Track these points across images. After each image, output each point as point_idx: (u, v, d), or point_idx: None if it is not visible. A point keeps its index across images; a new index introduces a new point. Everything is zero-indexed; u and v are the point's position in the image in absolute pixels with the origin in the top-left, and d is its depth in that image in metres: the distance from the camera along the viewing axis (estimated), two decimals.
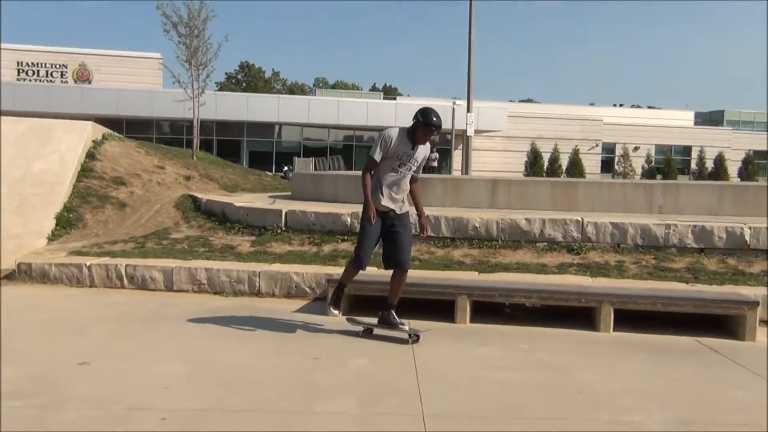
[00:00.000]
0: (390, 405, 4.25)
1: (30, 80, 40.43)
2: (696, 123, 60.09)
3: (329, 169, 34.53)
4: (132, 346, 5.49)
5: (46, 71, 41.23)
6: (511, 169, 43.48)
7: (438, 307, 6.59)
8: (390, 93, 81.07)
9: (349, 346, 5.65)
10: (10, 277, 8.23)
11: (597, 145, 47.86)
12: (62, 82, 40.94)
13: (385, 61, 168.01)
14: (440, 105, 21.89)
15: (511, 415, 4.14)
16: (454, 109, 35.66)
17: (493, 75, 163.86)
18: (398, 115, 37.35)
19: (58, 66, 41.40)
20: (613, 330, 6.22)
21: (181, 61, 21.60)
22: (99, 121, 17.58)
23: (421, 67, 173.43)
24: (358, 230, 6.01)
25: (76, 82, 41.13)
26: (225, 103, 38.96)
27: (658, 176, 44.45)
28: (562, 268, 7.74)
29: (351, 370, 4.96)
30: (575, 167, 42.76)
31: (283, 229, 9.32)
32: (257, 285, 7.57)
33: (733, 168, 48.31)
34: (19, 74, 40.48)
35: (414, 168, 5.78)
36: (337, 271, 7.07)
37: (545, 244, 8.40)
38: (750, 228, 8.18)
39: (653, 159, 48.65)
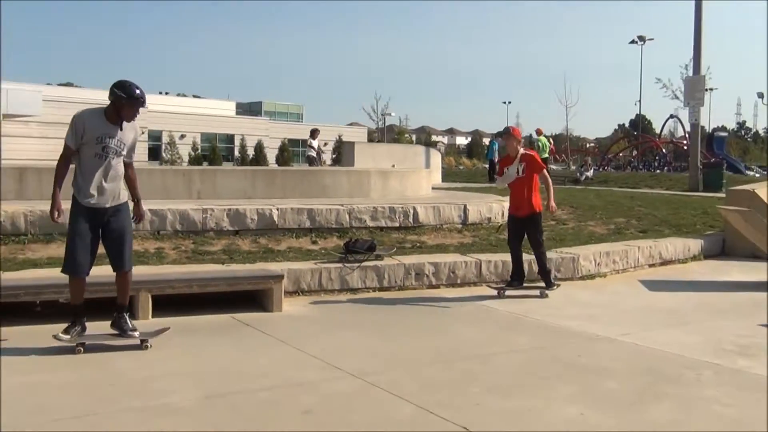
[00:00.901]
0: None
1: None
2: (237, 113, 63.71)
3: None
4: None
5: None
6: (53, 157, 40.27)
7: None
8: None
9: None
10: None
11: (143, 133, 47.30)
12: None
13: None
14: None
15: (42, 420, 3.86)
16: None
17: (30, 55, 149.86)
18: None
19: None
20: (153, 316, 6.25)
21: None
22: None
23: None
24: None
25: None
26: None
27: (204, 163, 45.90)
28: None
29: None
30: None
31: None
32: None
33: (271, 155, 52.43)
34: None
35: (123, 151, 5.17)
36: None
37: None
38: (277, 209, 9.00)
39: (199, 146, 50.06)
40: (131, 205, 5.50)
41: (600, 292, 8.04)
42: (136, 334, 5.36)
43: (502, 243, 9.06)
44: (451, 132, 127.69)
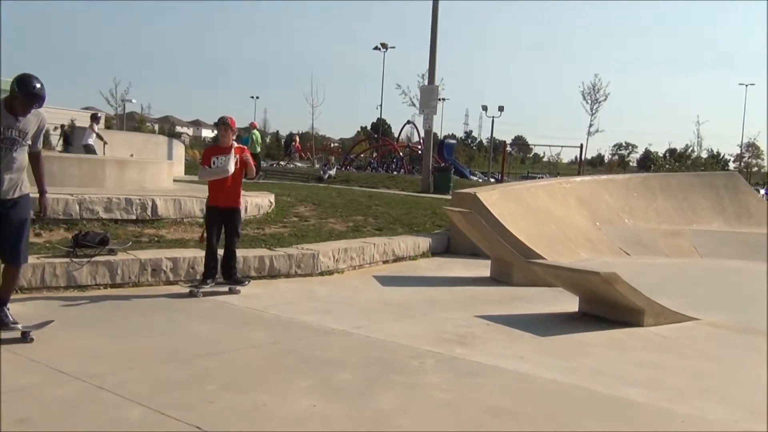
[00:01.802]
0: None
1: None
2: None
3: None
4: None
5: None
6: None
7: None
8: None
9: None
10: None
11: None
12: None
13: None
14: None
15: None
16: None
17: None
18: None
19: None
20: None
21: None
22: None
23: None
24: None
25: None
26: None
27: None
28: None
29: None
30: None
31: None
32: None
33: None
34: None
35: (26, 141, 5.14)
36: None
37: None
38: None
39: None
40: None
41: (337, 287, 8.33)
42: (19, 326, 5.31)
43: (244, 238, 9.02)
44: (197, 124, 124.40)
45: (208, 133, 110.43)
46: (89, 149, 18.91)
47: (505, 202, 12.18)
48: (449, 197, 15.86)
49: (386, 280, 8.95)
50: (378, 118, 77.23)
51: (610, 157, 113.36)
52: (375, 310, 7.12)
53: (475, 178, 42.84)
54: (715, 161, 71.59)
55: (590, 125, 52.82)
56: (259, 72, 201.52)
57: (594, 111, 53.01)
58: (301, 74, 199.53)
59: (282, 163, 43.71)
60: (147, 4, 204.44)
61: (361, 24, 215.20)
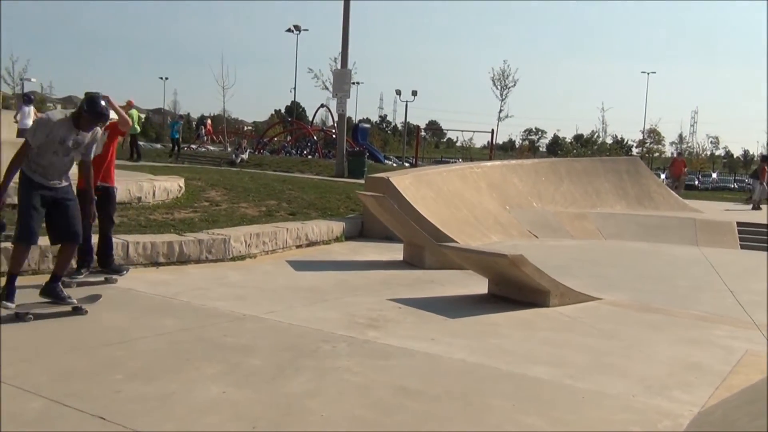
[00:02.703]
0: None
1: None
2: None
3: None
4: None
5: None
6: None
7: None
8: None
9: None
10: None
11: None
12: None
13: None
14: None
15: None
16: None
17: None
18: None
19: None
20: None
21: None
22: None
23: None
24: None
25: None
26: None
27: None
28: None
29: None
30: None
31: None
32: None
33: None
34: None
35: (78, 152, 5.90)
36: None
37: None
38: None
39: None
40: None
41: (250, 272, 8.24)
42: (74, 301, 5.86)
43: (152, 224, 8.80)
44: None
45: (114, 115, 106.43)
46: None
47: (418, 186, 12.32)
48: (363, 182, 15.90)
49: (299, 265, 8.91)
50: (292, 101, 76.43)
51: (520, 142, 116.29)
52: (288, 296, 7.08)
53: (390, 163, 43.07)
54: (619, 147, 74.46)
55: (500, 110, 53.97)
56: (168, 52, 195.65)
57: (504, 97, 54.16)
58: (212, 55, 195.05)
59: (193, 146, 42.68)
60: None
61: (273, 5, 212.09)
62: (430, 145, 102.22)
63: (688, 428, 4.01)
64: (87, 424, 3.64)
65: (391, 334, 5.72)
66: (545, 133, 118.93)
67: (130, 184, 10.32)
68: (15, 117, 19.04)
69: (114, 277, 7.16)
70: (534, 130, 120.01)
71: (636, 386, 4.71)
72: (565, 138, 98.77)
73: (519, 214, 14.32)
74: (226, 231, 9.19)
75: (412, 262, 9.43)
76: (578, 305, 7.15)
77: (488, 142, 47.67)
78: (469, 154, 70.71)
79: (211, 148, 44.08)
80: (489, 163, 17.69)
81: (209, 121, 50.79)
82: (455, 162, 39.47)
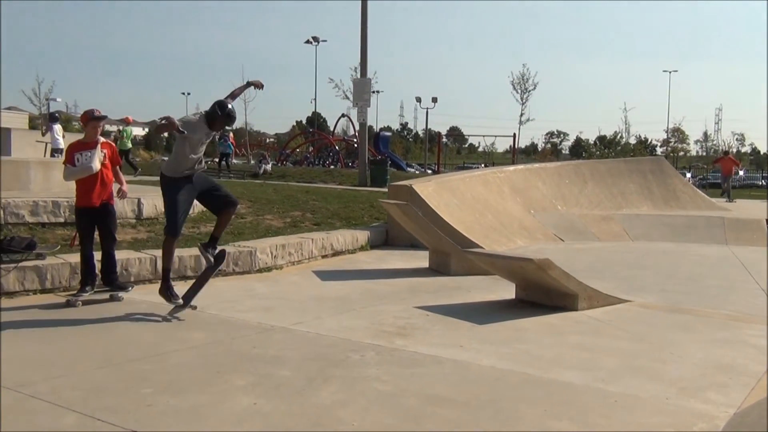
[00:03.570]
0: None
1: None
2: None
3: None
4: None
5: None
6: None
7: None
8: None
9: None
10: None
11: None
12: None
13: None
14: None
15: None
16: None
17: None
18: None
19: None
20: None
21: None
22: None
23: None
24: None
25: None
26: None
27: None
28: None
29: None
30: None
31: None
32: None
33: None
34: None
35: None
36: None
37: None
38: None
39: None
40: None
41: (276, 283, 8.27)
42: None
43: (182, 238, 8.86)
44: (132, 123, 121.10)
45: (138, 131, 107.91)
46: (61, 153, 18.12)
47: (441, 192, 12.30)
48: (386, 190, 15.91)
49: (325, 275, 8.93)
50: (313, 112, 76.84)
51: (543, 145, 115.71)
52: (315, 306, 7.10)
53: (412, 170, 43.05)
54: (643, 147, 73.72)
55: (521, 114, 53.67)
56: (189, 68, 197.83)
57: (524, 100, 53.85)
58: (232, 69, 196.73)
59: (216, 160, 43.00)
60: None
61: (292, 17, 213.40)
62: (451, 151, 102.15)
63: (725, 429, 3.95)
64: None
65: (419, 342, 5.71)
66: (567, 135, 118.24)
67: (156, 200, 10.41)
68: (42, 134, 19.37)
69: (119, 294, 7.09)
70: (556, 132, 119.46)
71: (669, 389, 4.65)
72: (588, 140, 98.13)
73: (543, 217, 14.23)
74: (252, 243, 9.24)
75: (438, 269, 9.41)
76: (607, 308, 7.08)
77: (510, 146, 47.49)
78: (491, 159, 70.36)
79: (234, 161, 44.37)
80: (512, 168, 17.62)
81: (232, 135, 51.12)
82: (478, 167, 39.33)
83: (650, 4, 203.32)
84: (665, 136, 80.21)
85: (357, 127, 27.75)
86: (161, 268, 6.85)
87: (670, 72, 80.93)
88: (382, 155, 33.01)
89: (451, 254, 9.15)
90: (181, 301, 6.58)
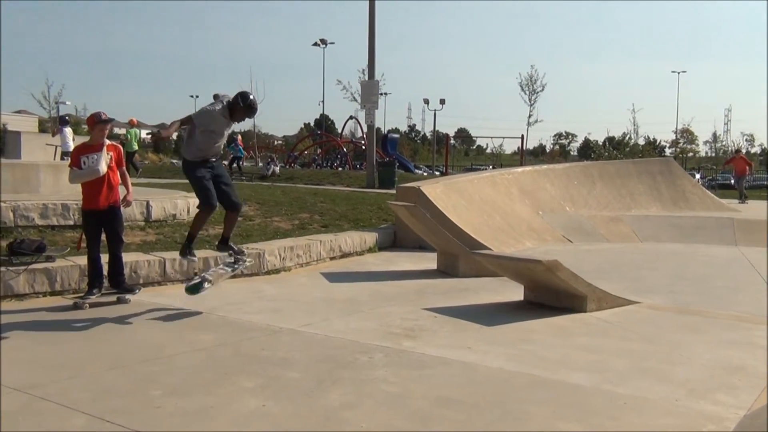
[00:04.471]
0: None
1: None
2: None
3: None
4: None
5: None
6: None
7: None
8: None
9: None
10: None
11: None
12: None
13: None
14: None
15: None
16: None
17: None
18: None
19: None
20: None
21: None
22: None
23: None
24: None
25: None
26: None
27: None
28: None
29: None
30: None
31: None
32: None
33: None
34: None
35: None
36: None
37: None
38: None
39: None
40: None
41: (284, 285, 8.28)
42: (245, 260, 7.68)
43: None
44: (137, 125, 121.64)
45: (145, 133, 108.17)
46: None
47: (449, 194, 12.29)
48: (394, 192, 15.90)
49: (334, 277, 8.93)
50: (321, 114, 76.95)
51: (551, 146, 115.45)
52: (323, 307, 7.10)
53: (420, 172, 43.05)
54: (652, 148, 73.47)
55: (529, 115, 53.58)
56: (196, 70, 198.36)
57: (533, 102, 53.76)
58: (240, 72, 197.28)
59: (225, 162, 43.11)
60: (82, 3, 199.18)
61: (300, 19, 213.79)
62: (459, 152, 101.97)
63: (735, 431, 3.93)
64: None
65: (427, 344, 5.70)
66: (576, 136, 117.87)
67: (165, 202, 10.45)
68: (52, 135, 19.45)
69: (126, 296, 7.10)
70: (564, 134, 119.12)
71: (678, 390, 4.63)
72: (597, 141, 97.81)
73: (552, 219, 14.20)
74: (260, 245, 9.25)
75: (446, 270, 9.40)
76: (616, 309, 7.06)
77: (518, 147, 47.37)
78: (499, 160, 70.28)
79: (242, 163, 44.42)
80: (520, 169, 17.58)
81: (240, 137, 51.24)
82: (486, 169, 39.29)
83: (659, 5, 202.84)
84: (674, 137, 79.87)
85: (365, 129, 27.75)
86: (188, 233, 7.24)
87: (678, 73, 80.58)
88: (390, 157, 33.03)
89: (459, 256, 9.14)
90: (195, 259, 7.40)
